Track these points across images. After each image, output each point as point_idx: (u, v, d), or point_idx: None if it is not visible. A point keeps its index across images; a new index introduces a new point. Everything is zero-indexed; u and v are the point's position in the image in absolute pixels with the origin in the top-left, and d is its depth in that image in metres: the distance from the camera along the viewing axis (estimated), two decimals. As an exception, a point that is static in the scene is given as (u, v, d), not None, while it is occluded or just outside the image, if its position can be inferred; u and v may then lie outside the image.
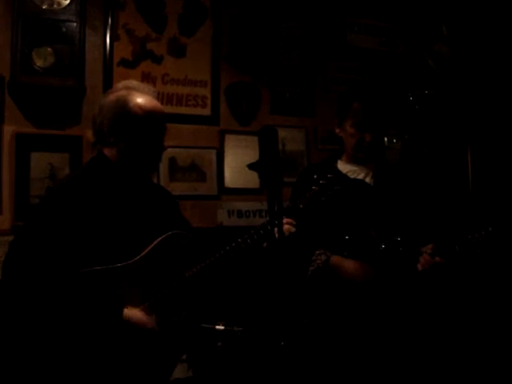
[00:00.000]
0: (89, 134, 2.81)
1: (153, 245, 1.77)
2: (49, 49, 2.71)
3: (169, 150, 3.03)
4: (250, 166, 1.50)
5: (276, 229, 1.67)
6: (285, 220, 1.79)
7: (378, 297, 2.10)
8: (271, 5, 3.41)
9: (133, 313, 1.69)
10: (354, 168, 2.30)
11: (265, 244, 1.86)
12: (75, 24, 2.76)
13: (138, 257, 1.74)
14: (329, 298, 2.17)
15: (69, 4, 2.74)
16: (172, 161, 3.11)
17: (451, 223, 2.49)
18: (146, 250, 1.76)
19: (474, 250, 1.96)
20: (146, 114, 1.79)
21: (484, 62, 3.64)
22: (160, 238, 1.79)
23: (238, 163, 3.25)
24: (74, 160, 2.84)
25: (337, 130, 2.34)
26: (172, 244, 1.81)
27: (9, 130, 2.76)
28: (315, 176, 1.96)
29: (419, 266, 2.03)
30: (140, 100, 1.80)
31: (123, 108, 1.78)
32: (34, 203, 2.71)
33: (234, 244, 1.84)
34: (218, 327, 2.03)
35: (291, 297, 1.48)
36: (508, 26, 3.59)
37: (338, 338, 2.12)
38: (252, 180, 3.24)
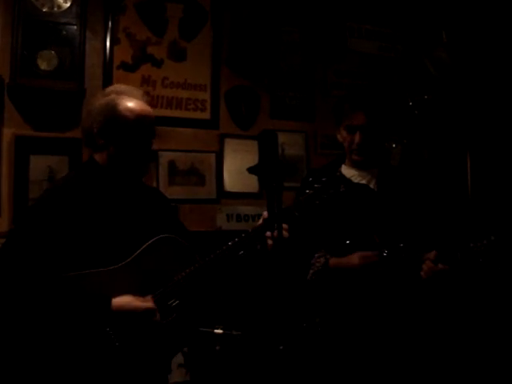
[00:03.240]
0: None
1: (141, 249, 1.76)
2: (52, 52, 2.71)
3: (168, 153, 3.10)
4: (250, 170, 1.50)
5: (268, 233, 1.67)
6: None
7: (379, 301, 2.10)
8: (272, 9, 3.42)
9: (123, 299, 1.67)
10: (357, 173, 2.29)
11: (258, 246, 1.83)
12: (75, 27, 2.78)
13: (126, 261, 1.73)
14: (329, 300, 2.17)
15: (69, 7, 2.75)
16: (171, 164, 3.11)
17: (452, 229, 2.48)
18: (134, 255, 1.75)
19: (475, 259, 1.95)
20: (136, 117, 1.79)
21: (483, 67, 3.64)
22: (148, 243, 1.78)
23: (237, 167, 3.25)
24: (73, 163, 2.84)
25: (338, 136, 2.35)
26: (160, 248, 1.79)
27: (8, 132, 2.76)
28: (310, 179, 1.95)
29: (423, 274, 2.01)
30: (130, 104, 1.80)
31: (112, 112, 1.78)
32: (32, 206, 2.70)
33: (224, 247, 1.82)
34: (216, 331, 2.03)
35: (290, 300, 1.48)
36: (507, 32, 3.60)
37: (337, 341, 2.12)
38: (251, 184, 3.23)
